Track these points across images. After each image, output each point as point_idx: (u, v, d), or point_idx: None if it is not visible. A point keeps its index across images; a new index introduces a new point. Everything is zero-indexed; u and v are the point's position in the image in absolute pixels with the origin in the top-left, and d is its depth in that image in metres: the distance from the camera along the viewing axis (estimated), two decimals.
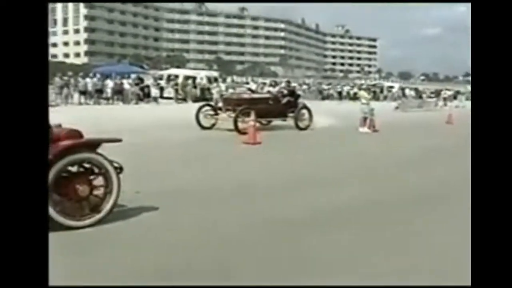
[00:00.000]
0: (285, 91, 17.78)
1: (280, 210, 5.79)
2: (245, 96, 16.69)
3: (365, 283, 3.75)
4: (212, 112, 15.68)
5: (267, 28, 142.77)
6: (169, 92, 33.02)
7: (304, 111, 16.65)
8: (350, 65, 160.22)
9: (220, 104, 15.84)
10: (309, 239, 4.67)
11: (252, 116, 13.32)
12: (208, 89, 32.77)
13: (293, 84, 31.41)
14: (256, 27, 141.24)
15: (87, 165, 5.02)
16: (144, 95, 30.09)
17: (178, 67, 65.04)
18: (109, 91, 29.12)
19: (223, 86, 33.36)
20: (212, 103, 16.61)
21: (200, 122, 15.21)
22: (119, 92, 29.14)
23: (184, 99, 31.97)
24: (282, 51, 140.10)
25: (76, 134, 4.98)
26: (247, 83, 44.88)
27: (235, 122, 14.19)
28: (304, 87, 48.21)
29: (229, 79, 50.33)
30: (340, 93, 45.70)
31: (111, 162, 5.06)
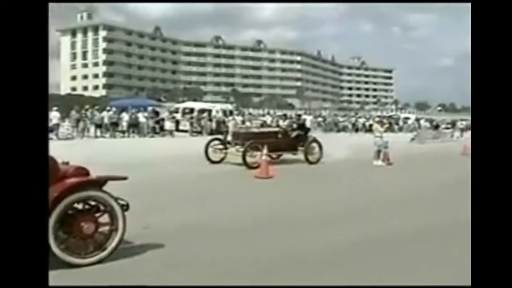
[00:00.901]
0: (295, 125, 17.87)
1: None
2: (254, 130, 16.92)
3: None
4: (221, 146, 15.77)
5: (283, 61, 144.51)
6: (184, 125, 33.44)
7: (314, 144, 16.67)
8: (367, 96, 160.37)
9: (229, 138, 16.01)
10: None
11: (264, 150, 13.49)
12: (224, 122, 33.07)
13: (306, 117, 31.28)
14: (272, 60, 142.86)
15: (92, 203, 5.06)
16: (159, 128, 30.26)
17: (195, 100, 65.75)
18: (124, 124, 29.48)
19: (238, 119, 33.78)
20: (221, 137, 16.85)
21: (209, 157, 15.27)
22: (134, 125, 29.57)
23: (200, 132, 32.30)
24: (298, 83, 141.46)
25: (83, 171, 5.07)
26: (263, 115, 44.67)
27: (244, 156, 14.26)
28: (320, 119, 47.84)
29: (246, 112, 50.44)
30: (354, 124, 46.05)
31: (116, 199, 5.10)
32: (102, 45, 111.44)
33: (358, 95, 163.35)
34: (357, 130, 44.21)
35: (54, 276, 3.16)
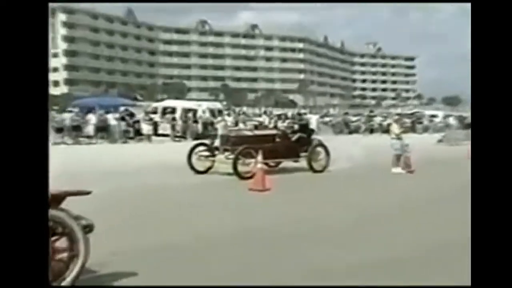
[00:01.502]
0: (296, 126, 18.07)
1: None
2: (247, 133, 17.06)
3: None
4: (207, 153, 15.92)
5: (283, 49, 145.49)
6: (164, 128, 33.72)
7: (319, 149, 16.86)
8: (384, 90, 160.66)
9: (217, 143, 16.12)
10: None
11: (259, 157, 13.58)
12: (212, 123, 33.52)
13: (310, 116, 31.40)
14: (269, 48, 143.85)
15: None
16: (134, 133, 30.57)
17: (177, 98, 65.68)
18: (91, 128, 29.66)
19: (229, 120, 34.28)
20: (208, 141, 16.97)
21: (192, 165, 15.42)
22: (103, 129, 29.70)
23: (183, 137, 32.69)
24: (301, 76, 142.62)
25: None
26: (260, 115, 44.83)
27: (235, 164, 14.40)
28: (327, 118, 47.90)
29: (239, 111, 50.56)
30: (368, 124, 46.96)
31: (77, 219, 5.11)
32: (62, 31, 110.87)
33: (374, 89, 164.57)
34: (372, 131, 44.77)
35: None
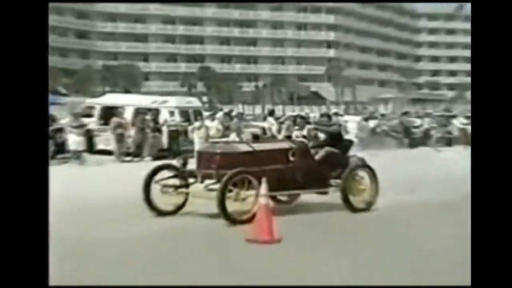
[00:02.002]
0: (323, 135, 15.55)
1: None
2: (241, 148, 14.41)
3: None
4: (177, 182, 13.77)
5: (301, 9, 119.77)
6: (106, 140, 29.30)
7: (362, 173, 14.51)
8: (468, 74, 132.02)
9: (192, 165, 13.91)
10: None
11: (263, 188, 11.54)
12: (185, 132, 29.51)
13: (347, 118, 27.59)
14: (277, 8, 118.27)
15: None
16: (55, 149, 26.82)
17: (127, 91, 57.37)
18: None
19: (214, 126, 28.60)
20: (177, 163, 14.41)
21: (152, 202, 13.20)
22: None
23: (138, 155, 28.22)
24: (331, 53, 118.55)
25: None
26: (264, 118, 38.44)
27: (222, 200, 12.23)
28: (375, 121, 39.40)
29: (228, 111, 40.92)
30: (436, 128, 39.82)
31: None
32: None
33: (451, 72, 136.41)
34: (450, 141, 38.47)
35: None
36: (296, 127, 21.94)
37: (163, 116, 30.57)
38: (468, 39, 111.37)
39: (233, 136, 23.86)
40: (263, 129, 26.62)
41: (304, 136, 16.61)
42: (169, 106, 31.72)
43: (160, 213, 13.28)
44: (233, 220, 12.24)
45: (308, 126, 19.47)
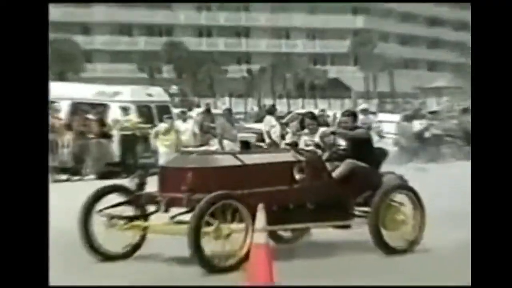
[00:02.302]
0: (343, 143, 12.51)
1: None
2: (223, 161, 11.46)
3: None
4: (130, 211, 11.04)
5: None
6: None
7: (401, 196, 11.61)
8: None
9: (153, 187, 11.31)
10: None
11: (260, 220, 8.56)
12: (145, 139, 25.62)
13: (382, 116, 24.90)
14: None
15: None
16: None
17: (62, 78, 47.44)
18: None
19: (187, 130, 25.64)
20: (130, 183, 11.51)
21: (93, 243, 10.47)
22: None
23: (76, 171, 24.46)
24: (358, 21, 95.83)
25: None
26: (260, 118, 35.30)
27: (195, 237, 9.68)
28: (421, 122, 32.49)
29: (207, 106, 34.31)
30: None
31: None
32: None
33: None
34: None
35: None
36: (306, 131, 17.82)
37: (113, 114, 25.49)
38: None
39: (213, 143, 20.43)
40: (257, 134, 23.01)
41: (317, 145, 13.36)
42: (121, 100, 26.33)
43: (106, 257, 10.65)
44: (212, 266, 9.84)
45: (322, 129, 15.46)
